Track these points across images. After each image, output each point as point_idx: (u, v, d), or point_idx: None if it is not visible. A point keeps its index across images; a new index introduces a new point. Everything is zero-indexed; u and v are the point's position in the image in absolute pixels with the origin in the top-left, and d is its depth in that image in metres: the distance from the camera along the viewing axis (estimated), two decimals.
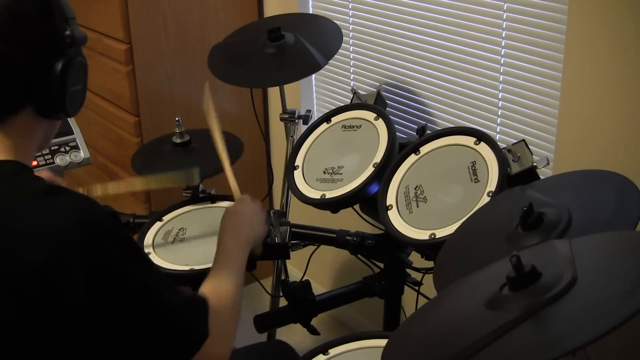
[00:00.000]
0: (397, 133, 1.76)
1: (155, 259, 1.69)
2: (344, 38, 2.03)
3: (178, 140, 1.93)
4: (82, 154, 1.92)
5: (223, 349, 1.24)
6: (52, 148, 1.88)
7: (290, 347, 1.68)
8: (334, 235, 1.83)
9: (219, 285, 1.31)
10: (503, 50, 1.85)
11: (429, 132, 1.74)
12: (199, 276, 1.37)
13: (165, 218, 1.83)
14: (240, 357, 1.62)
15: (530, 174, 1.51)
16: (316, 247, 1.95)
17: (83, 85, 1.22)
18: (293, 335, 1.83)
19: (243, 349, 1.67)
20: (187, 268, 1.61)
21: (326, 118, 1.89)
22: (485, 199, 1.49)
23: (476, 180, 1.54)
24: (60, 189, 1.11)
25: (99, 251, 1.07)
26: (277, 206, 2.68)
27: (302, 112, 2.19)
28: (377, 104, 1.89)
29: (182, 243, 1.74)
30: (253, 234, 1.51)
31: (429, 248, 1.52)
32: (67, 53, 1.16)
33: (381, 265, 1.84)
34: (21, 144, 1.16)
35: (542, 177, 1.54)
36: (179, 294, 1.18)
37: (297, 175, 1.81)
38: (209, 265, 1.40)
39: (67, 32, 1.16)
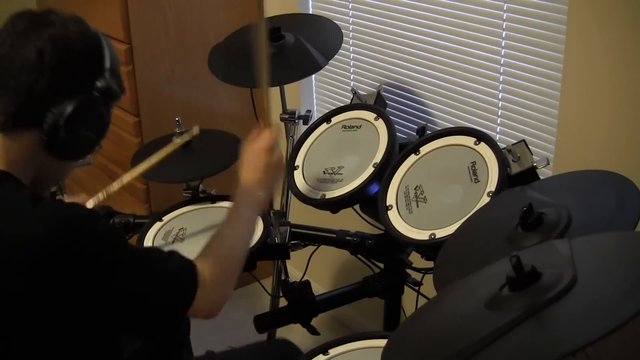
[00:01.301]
0: (397, 133, 1.76)
1: None
2: (344, 38, 2.03)
3: (178, 140, 1.93)
4: None
5: (217, 296, 1.28)
6: None
7: (294, 345, 1.67)
8: (334, 236, 1.83)
9: (225, 236, 1.35)
10: (503, 50, 1.85)
11: (429, 132, 1.74)
12: None
13: (165, 218, 1.83)
14: (242, 355, 1.61)
15: (530, 174, 1.51)
16: (316, 247, 1.95)
17: (95, 135, 1.24)
18: (293, 335, 1.83)
19: (245, 347, 1.66)
20: None
21: (326, 118, 1.89)
22: (485, 199, 1.49)
23: (476, 181, 1.54)
24: (43, 198, 1.14)
25: (80, 255, 1.10)
26: (277, 206, 2.68)
27: (302, 112, 2.19)
28: (377, 104, 1.89)
29: (182, 243, 1.74)
30: (268, 187, 1.50)
31: (429, 248, 1.52)
32: (90, 98, 1.19)
33: (381, 265, 1.84)
34: (16, 160, 1.18)
35: (542, 177, 1.54)
36: (163, 262, 1.21)
37: (297, 175, 1.81)
38: None
39: (102, 81, 1.19)
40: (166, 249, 1.27)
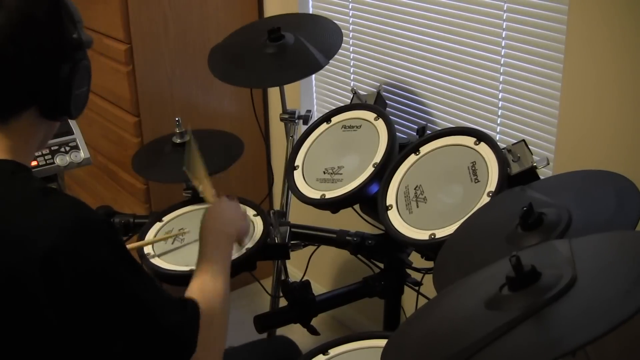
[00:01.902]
0: (397, 133, 1.76)
1: (155, 259, 1.69)
2: (344, 38, 2.03)
3: (178, 141, 1.93)
4: (82, 154, 1.92)
5: (213, 356, 1.24)
6: (52, 148, 1.88)
7: (294, 343, 1.67)
8: (334, 236, 1.83)
9: (207, 284, 1.29)
10: (503, 50, 1.85)
11: (429, 132, 1.74)
12: None
13: (165, 218, 1.83)
14: (242, 354, 1.61)
15: (530, 174, 1.51)
16: (316, 247, 1.95)
17: (87, 87, 1.23)
18: (293, 335, 1.83)
19: (245, 345, 1.66)
20: (187, 268, 1.61)
21: (326, 118, 1.89)
22: (485, 199, 1.49)
23: (476, 181, 1.54)
24: (55, 191, 1.12)
25: (91, 254, 1.07)
26: (277, 206, 2.68)
27: (302, 112, 2.19)
28: (377, 104, 1.89)
29: (182, 243, 1.74)
30: (235, 227, 1.50)
31: (429, 248, 1.52)
32: (74, 56, 1.17)
33: (381, 265, 1.84)
34: (21, 144, 1.16)
35: (542, 177, 1.54)
36: (170, 303, 1.17)
37: (297, 175, 1.81)
38: None
39: (75, 36, 1.17)
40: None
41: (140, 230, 1.80)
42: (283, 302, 1.76)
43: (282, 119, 2.18)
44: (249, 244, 1.68)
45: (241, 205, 1.64)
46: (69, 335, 1.06)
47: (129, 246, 1.72)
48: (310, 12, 2.48)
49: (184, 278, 1.52)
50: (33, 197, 1.09)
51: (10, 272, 1.04)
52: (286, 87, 2.18)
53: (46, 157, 1.87)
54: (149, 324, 1.12)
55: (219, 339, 1.26)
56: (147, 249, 1.72)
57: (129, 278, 1.11)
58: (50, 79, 1.15)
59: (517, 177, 1.51)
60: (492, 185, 1.51)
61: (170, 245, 1.73)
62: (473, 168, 1.56)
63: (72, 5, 1.18)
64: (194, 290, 1.27)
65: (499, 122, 1.92)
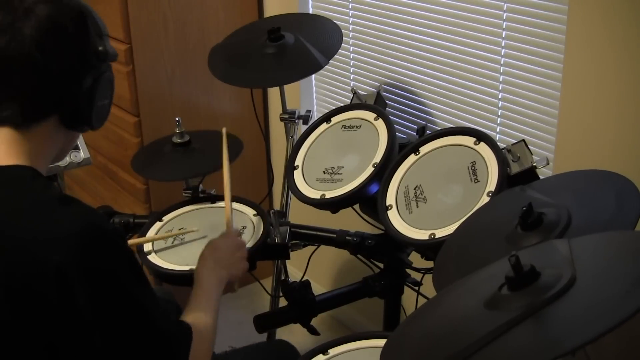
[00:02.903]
0: (397, 133, 1.76)
1: (155, 259, 1.69)
2: (344, 38, 2.02)
3: (178, 141, 1.93)
4: (82, 154, 1.91)
5: None
6: None
7: (292, 346, 1.68)
8: (334, 235, 1.83)
9: (198, 321, 1.31)
10: (503, 50, 1.85)
11: (428, 132, 1.74)
12: None
13: (165, 218, 1.83)
14: (241, 357, 1.61)
15: (530, 174, 1.51)
16: (316, 247, 1.95)
17: (109, 100, 1.25)
18: (293, 335, 1.83)
19: (244, 348, 1.67)
20: (187, 268, 1.61)
21: (326, 118, 1.89)
22: (485, 199, 1.49)
23: (476, 180, 1.54)
24: (73, 199, 1.13)
25: (102, 262, 1.09)
26: (277, 206, 2.68)
27: (302, 112, 2.19)
28: (377, 104, 1.89)
29: (182, 243, 1.74)
30: (230, 271, 1.51)
31: (429, 248, 1.52)
32: (98, 68, 1.19)
33: (381, 265, 1.84)
34: (39, 151, 1.17)
35: (541, 177, 1.54)
36: (170, 319, 1.21)
37: (297, 175, 1.81)
38: None
39: (100, 48, 1.19)
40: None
41: (140, 230, 1.80)
42: (283, 302, 1.76)
43: (282, 119, 2.18)
44: (250, 244, 1.68)
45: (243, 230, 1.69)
46: (76, 336, 1.08)
47: (129, 242, 1.74)
48: (310, 12, 2.48)
49: (185, 277, 1.53)
50: (50, 205, 1.10)
51: (26, 278, 1.06)
52: (286, 87, 2.18)
53: None
54: (149, 331, 1.15)
55: None
56: (147, 248, 1.72)
57: (135, 286, 1.14)
58: (74, 88, 1.16)
59: (516, 177, 1.51)
60: (491, 185, 1.51)
61: (170, 244, 1.73)
62: (473, 168, 1.56)
63: (99, 18, 1.21)
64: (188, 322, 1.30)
65: (499, 122, 1.92)
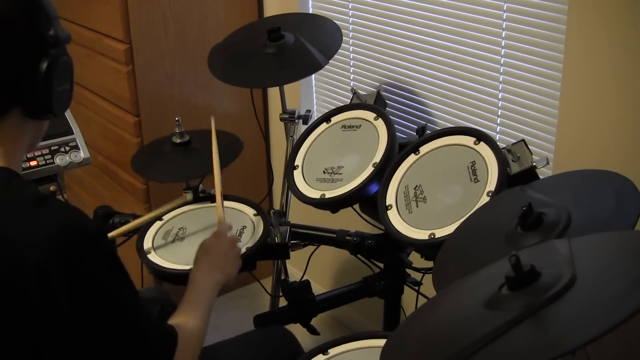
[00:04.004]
0: (397, 133, 1.76)
1: (155, 258, 1.69)
2: (344, 38, 2.03)
3: (178, 140, 1.93)
4: (82, 154, 1.92)
5: None
6: (52, 148, 1.88)
7: (290, 333, 1.65)
8: (334, 235, 1.83)
9: (186, 324, 1.30)
10: (503, 50, 1.85)
11: (428, 132, 1.74)
12: None
13: (165, 217, 1.83)
14: (235, 347, 1.60)
15: (529, 174, 1.51)
16: (316, 247, 1.95)
17: (69, 84, 1.21)
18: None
19: (237, 337, 1.62)
20: (187, 267, 1.61)
21: (326, 118, 1.89)
22: (485, 199, 1.49)
23: (476, 180, 1.54)
24: (51, 199, 1.12)
25: (82, 262, 1.07)
26: (277, 206, 2.68)
27: (302, 112, 2.19)
28: (377, 104, 1.89)
29: (182, 242, 1.74)
30: (225, 273, 1.50)
31: (429, 248, 1.53)
32: (52, 53, 1.15)
33: (381, 265, 1.84)
34: (10, 148, 1.15)
35: (541, 177, 1.54)
36: (153, 321, 1.19)
37: (297, 175, 1.81)
38: None
39: (51, 32, 1.15)
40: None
41: (140, 229, 1.80)
42: (283, 302, 1.76)
43: (282, 119, 2.18)
44: (250, 244, 1.68)
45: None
46: (57, 337, 1.07)
47: (114, 232, 1.75)
48: (310, 12, 2.48)
49: (185, 277, 1.53)
50: (27, 207, 1.09)
51: (5, 279, 1.05)
52: (286, 87, 2.18)
53: (46, 157, 1.87)
54: (131, 332, 1.13)
55: None
56: (147, 246, 1.72)
57: (115, 284, 1.12)
58: (29, 77, 1.13)
59: (516, 176, 1.51)
60: (491, 185, 1.51)
61: (170, 244, 1.74)
62: (473, 168, 1.56)
63: (47, 1, 1.16)
64: (175, 324, 1.29)
65: (498, 122, 1.92)
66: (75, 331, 1.08)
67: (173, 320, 1.31)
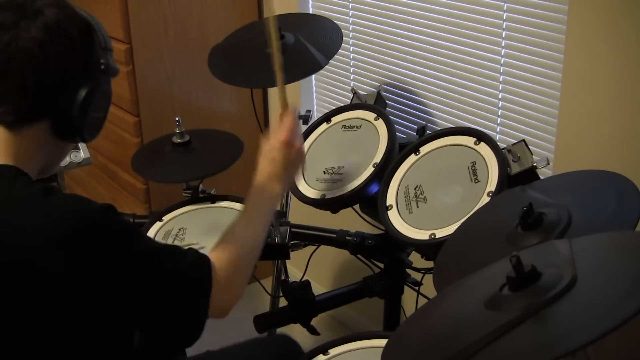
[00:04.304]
0: (397, 133, 1.76)
1: None
2: (344, 38, 2.02)
3: (178, 140, 1.93)
4: (82, 154, 1.92)
5: (230, 295, 1.27)
6: None
7: (295, 342, 1.66)
8: (334, 235, 1.83)
9: (234, 233, 1.33)
10: (503, 50, 1.85)
11: (429, 132, 1.74)
12: None
13: (165, 218, 1.83)
14: (241, 352, 1.60)
15: (530, 174, 1.51)
16: (316, 247, 1.95)
17: (104, 114, 1.26)
18: (293, 335, 1.82)
19: (243, 343, 1.64)
20: None
21: (326, 118, 1.89)
22: (485, 199, 1.49)
23: (476, 181, 1.54)
24: (54, 190, 1.14)
25: (96, 244, 1.10)
26: (277, 206, 2.68)
27: (302, 112, 2.18)
28: (377, 104, 1.89)
29: (182, 243, 1.74)
30: (287, 182, 1.48)
31: (429, 248, 1.52)
32: (97, 80, 1.20)
33: (381, 265, 1.84)
34: (26, 154, 1.18)
35: (542, 177, 1.54)
36: (179, 261, 1.21)
37: None
38: None
39: (102, 61, 1.20)
40: (185, 246, 1.26)
41: (139, 230, 1.80)
42: (283, 302, 1.76)
43: None
44: None
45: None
46: (94, 305, 1.12)
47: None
48: (310, 12, 2.48)
49: None
50: (35, 198, 1.11)
51: (27, 265, 1.07)
52: (286, 87, 2.17)
53: None
54: (161, 285, 1.17)
55: (235, 283, 1.29)
56: None
57: (135, 255, 1.15)
58: (69, 95, 1.17)
59: (517, 177, 1.51)
60: (492, 185, 1.51)
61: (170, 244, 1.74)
62: (473, 168, 1.56)
63: (105, 33, 1.23)
64: (228, 234, 1.33)
65: (499, 122, 1.92)
66: (108, 297, 1.11)
67: (225, 237, 1.32)
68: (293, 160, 1.47)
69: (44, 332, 1.12)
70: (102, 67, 1.20)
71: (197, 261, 1.23)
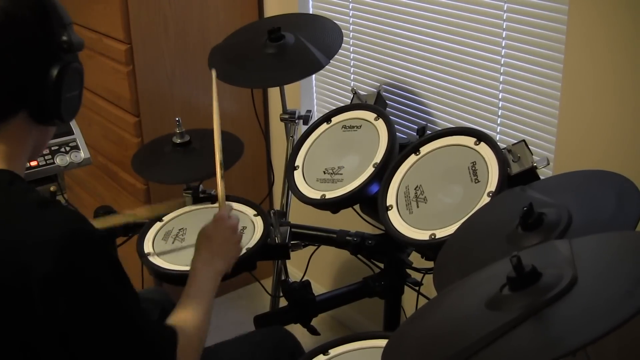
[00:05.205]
0: (397, 133, 1.76)
1: (156, 259, 1.69)
2: (344, 38, 2.03)
3: (178, 141, 1.93)
4: (82, 154, 1.92)
5: None
6: (52, 148, 1.88)
7: (291, 334, 1.64)
8: (334, 236, 1.83)
9: (186, 322, 1.30)
10: (503, 50, 1.85)
11: (429, 132, 1.74)
12: None
13: (166, 218, 1.83)
14: (235, 347, 1.59)
15: (530, 174, 1.51)
16: (316, 247, 1.95)
17: (78, 91, 1.21)
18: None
19: (238, 338, 1.63)
20: (187, 268, 1.60)
21: (326, 118, 1.89)
22: (486, 199, 1.49)
23: (476, 181, 1.54)
24: (52, 203, 1.12)
25: (83, 265, 1.07)
26: (277, 206, 2.68)
27: (303, 112, 2.19)
28: (377, 104, 1.89)
29: (182, 243, 1.74)
30: (227, 260, 1.49)
31: (429, 248, 1.53)
32: (63, 58, 1.15)
33: (381, 265, 1.84)
34: (14, 151, 1.15)
35: (542, 177, 1.54)
36: (153, 325, 1.20)
37: (297, 175, 1.81)
38: None
39: (64, 38, 1.15)
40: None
41: (140, 230, 1.80)
42: (283, 302, 1.76)
43: (282, 119, 2.18)
44: (250, 244, 1.68)
45: (239, 212, 1.63)
46: (59, 339, 1.07)
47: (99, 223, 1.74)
48: (310, 12, 2.48)
49: (184, 277, 1.53)
50: (30, 209, 1.09)
51: (8, 282, 1.05)
52: (286, 87, 2.18)
53: (46, 157, 1.87)
54: (133, 337, 1.13)
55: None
56: (148, 249, 1.72)
57: (118, 294, 1.13)
58: (38, 81, 1.13)
59: (517, 177, 1.51)
60: (492, 185, 1.51)
61: (170, 245, 1.74)
62: (473, 168, 1.56)
63: (61, 7, 1.17)
64: (176, 322, 1.29)
65: (499, 122, 1.92)
66: (75, 335, 1.08)
67: (175, 316, 1.31)
68: (234, 242, 1.52)
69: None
70: (65, 45, 1.15)
71: (166, 333, 1.21)
